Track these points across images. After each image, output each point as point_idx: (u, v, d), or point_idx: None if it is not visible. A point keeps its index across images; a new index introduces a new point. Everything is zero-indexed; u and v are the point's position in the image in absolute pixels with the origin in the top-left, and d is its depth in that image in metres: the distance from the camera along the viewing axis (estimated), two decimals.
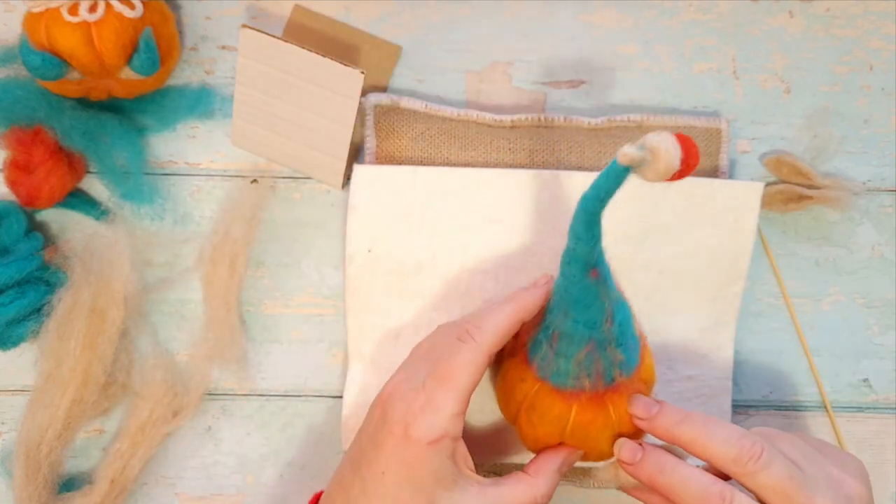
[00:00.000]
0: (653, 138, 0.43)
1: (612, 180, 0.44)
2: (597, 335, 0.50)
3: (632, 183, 0.63)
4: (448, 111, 0.63)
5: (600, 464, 0.55)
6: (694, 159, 0.44)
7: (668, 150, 0.43)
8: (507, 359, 0.55)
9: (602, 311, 0.49)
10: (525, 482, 0.51)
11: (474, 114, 0.63)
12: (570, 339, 0.50)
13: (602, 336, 0.50)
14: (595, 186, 0.45)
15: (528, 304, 0.52)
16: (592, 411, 0.52)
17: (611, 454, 0.55)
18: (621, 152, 0.43)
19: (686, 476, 0.48)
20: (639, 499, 0.52)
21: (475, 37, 0.66)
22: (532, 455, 0.55)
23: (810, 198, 0.63)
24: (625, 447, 0.51)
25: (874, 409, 0.64)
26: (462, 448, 0.51)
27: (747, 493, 0.48)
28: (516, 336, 0.54)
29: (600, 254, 0.48)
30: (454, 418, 0.49)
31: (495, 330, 0.51)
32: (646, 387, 0.54)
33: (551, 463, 0.52)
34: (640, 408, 0.51)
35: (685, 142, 0.44)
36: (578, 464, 0.59)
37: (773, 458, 0.48)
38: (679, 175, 0.44)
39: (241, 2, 0.65)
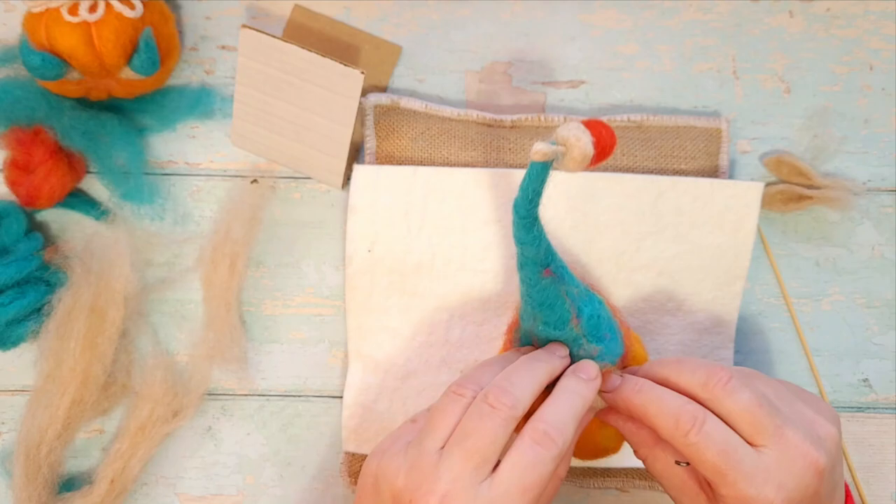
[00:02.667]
0: (562, 129, 0.44)
1: (535, 179, 0.45)
2: (566, 335, 0.50)
3: (631, 184, 0.63)
4: (448, 111, 0.63)
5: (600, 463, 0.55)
6: (608, 140, 0.45)
7: (579, 138, 0.43)
8: None
9: (566, 309, 0.49)
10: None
11: (474, 114, 0.63)
12: (543, 343, 0.51)
13: (572, 334, 0.50)
14: (522, 189, 0.45)
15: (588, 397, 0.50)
16: None
17: (615, 448, 0.55)
18: (534, 150, 0.43)
19: (660, 395, 0.48)
20: (614, 425, 0.52)
21: (475, 37, 0.66)
22: None
23: (810, 198, 0.63)
24: (607, 377, 0.51)
25: (874, 408, 0.64)
26: None
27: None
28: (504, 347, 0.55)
29: (549, 252, 0.48)
30: None
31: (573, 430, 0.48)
32: None
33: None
34: (606, 382, 0.51)
35: (594, 126, 0.44)
36: (578, 464, 0.59)
37: (741, 385, 0.48)
38: (598, 159, 0.45)
39: (241, 2, 0.65)
